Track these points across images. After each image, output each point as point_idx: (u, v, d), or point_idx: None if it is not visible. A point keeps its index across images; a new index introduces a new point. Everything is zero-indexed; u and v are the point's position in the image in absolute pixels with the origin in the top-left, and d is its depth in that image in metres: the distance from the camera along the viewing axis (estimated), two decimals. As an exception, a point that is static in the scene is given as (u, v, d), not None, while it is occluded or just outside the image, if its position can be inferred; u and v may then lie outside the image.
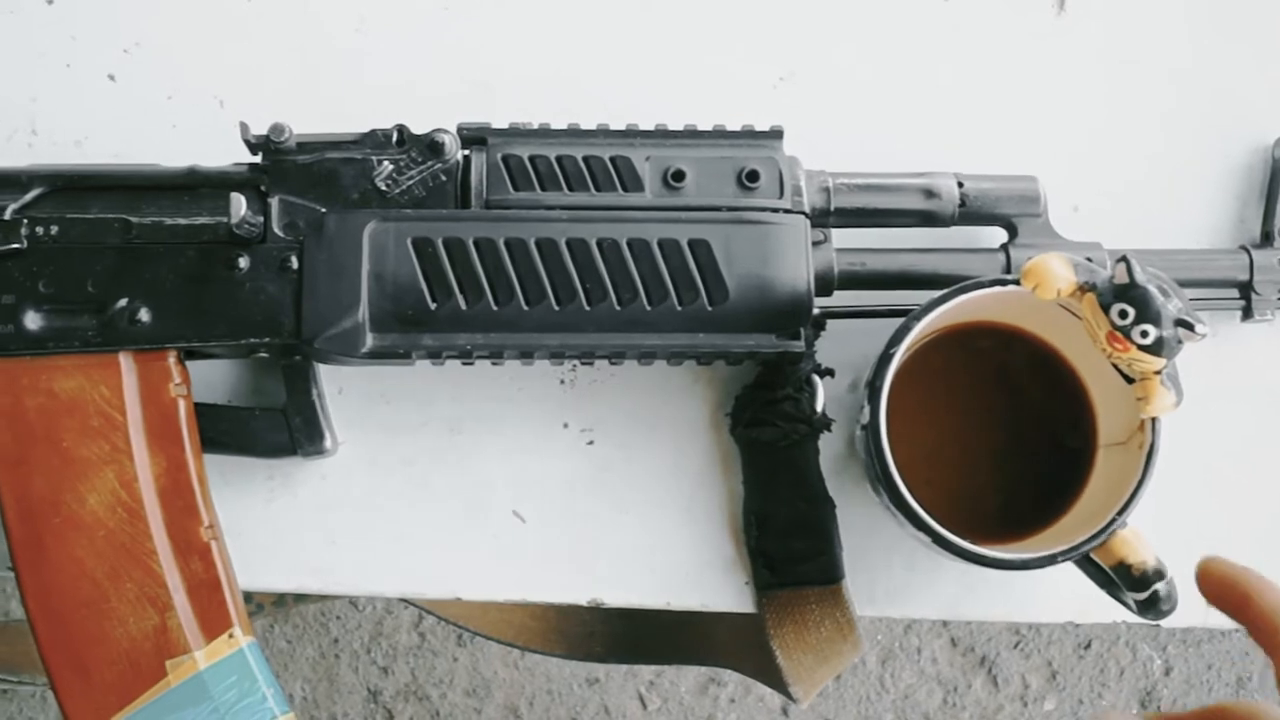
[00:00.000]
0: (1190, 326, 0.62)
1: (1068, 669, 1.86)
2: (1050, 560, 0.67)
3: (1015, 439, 0.76)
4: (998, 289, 0.68)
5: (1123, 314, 0.62)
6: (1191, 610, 0.69)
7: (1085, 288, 0.64)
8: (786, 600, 0.76)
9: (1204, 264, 0.78)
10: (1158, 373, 0.64)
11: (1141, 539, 0.68)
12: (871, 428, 0.68)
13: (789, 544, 0.76)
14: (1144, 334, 0.62)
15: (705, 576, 0.78)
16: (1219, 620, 0.62)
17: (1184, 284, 0.67)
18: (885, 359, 0.68)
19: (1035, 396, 0.75)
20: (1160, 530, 0.69)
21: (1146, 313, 0.62)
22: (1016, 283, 0.66)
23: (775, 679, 0.78)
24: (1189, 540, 0.66)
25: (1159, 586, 0.67)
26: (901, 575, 0.78)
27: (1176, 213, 0.84)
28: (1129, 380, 0.66)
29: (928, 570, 0.78)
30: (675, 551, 0.78)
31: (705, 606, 0.78)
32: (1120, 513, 0.67)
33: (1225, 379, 0.81)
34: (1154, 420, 0.67)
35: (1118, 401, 0.70)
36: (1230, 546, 0.63)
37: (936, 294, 0.69)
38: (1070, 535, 0.69)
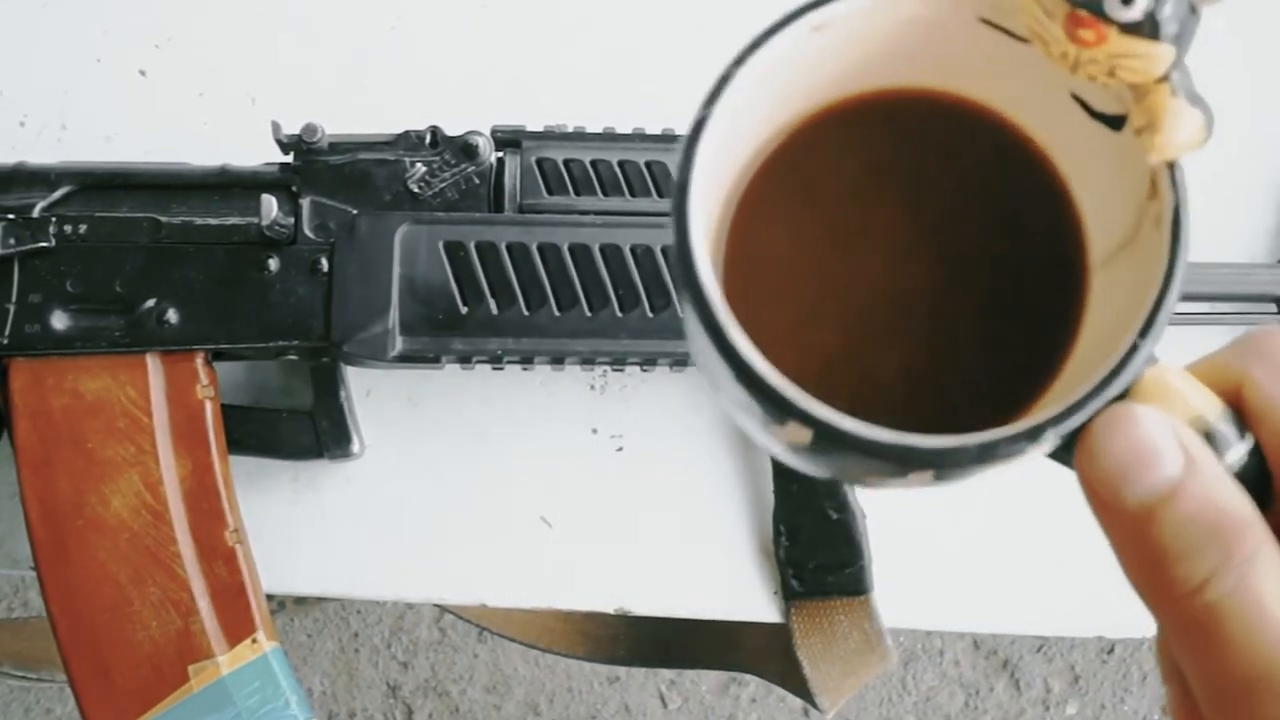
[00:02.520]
0: None
1: (1090, 674, 1.85)
2: (1031, 435, 0.34)
3: (969, 278, 0.42)
4: None
5: None
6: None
7: None
8: (814, 611, 0.75)
9: (1241, 278, 0.77)
10: (1163, 79, 0.37)
11: (1191, 381, 0.36)
12: (679, 181, 0.36)
13: (818, 554, 0.75)
14: (1126, 2, 0.34)
15: (733, 585, 0.77)
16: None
17: (1221, 298, 0.65)
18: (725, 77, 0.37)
19: (993, 210, 0.43)
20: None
21: None
22: None
23: (801, 688, 0.78)
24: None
25: (1237, 450, 0.36)
26: (930, 587, 0.77)
27: (1213, 226, 0.82)
28: (1117, 127, 0.39)
29: (956, 583, 0.77)
30: (703, 560, 0.77)
31: (733, 616, 0.77)
32: (1142, 334, 0.35)
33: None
34: (1171, 171, 0.38)
35: (1109, 184, 0.40)
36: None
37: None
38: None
